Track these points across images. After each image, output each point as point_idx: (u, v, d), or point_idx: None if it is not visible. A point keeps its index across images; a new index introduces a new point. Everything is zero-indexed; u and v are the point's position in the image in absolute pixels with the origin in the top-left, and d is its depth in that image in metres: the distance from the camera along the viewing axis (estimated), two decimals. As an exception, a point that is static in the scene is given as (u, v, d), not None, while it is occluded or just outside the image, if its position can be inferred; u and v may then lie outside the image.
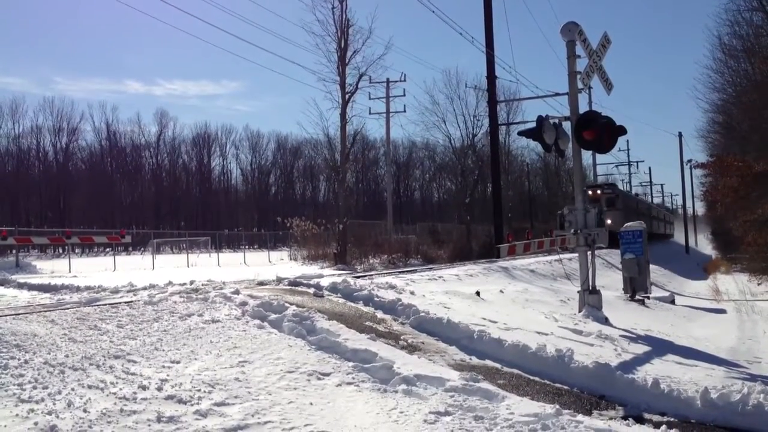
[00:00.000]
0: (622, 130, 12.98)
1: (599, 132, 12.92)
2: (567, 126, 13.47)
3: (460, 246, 36.61)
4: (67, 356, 5.92)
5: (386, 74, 39.25)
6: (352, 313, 9.47)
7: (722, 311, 18.85)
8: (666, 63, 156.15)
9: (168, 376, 5.77)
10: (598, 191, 41.63)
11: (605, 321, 12.21)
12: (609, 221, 36.04)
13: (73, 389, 5.18)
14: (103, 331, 6.97)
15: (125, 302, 8.74)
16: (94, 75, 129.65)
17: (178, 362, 6.20)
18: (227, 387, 5.67)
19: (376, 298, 10.31)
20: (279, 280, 11.98)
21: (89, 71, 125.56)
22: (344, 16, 27.95)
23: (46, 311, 7.91)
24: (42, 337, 6.49)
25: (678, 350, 10.38)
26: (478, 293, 12.85)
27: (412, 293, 11.82)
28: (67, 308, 8.25)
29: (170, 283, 11.39)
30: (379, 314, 9.59)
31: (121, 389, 5.30)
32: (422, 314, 9.41)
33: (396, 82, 40.88)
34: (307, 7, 54.63)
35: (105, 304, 8.59)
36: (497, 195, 34.11)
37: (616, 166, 73.71)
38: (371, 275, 15.64)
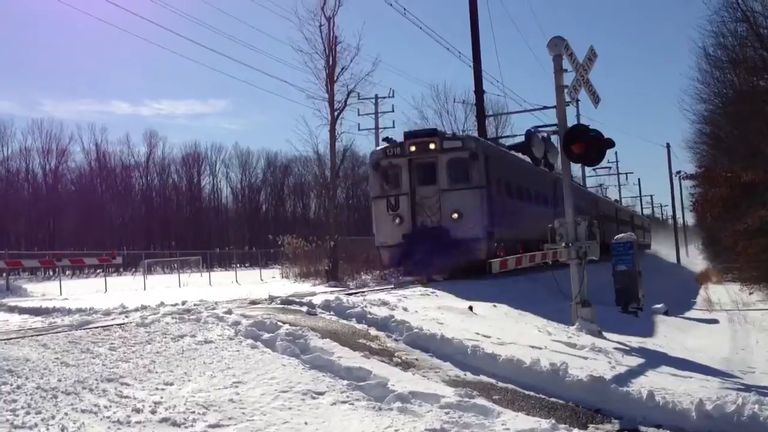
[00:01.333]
0: (611, 143, 13.07)
1: (588, 145, 13.00)
2: (555, 139, 13.56)
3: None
4: (59, 380, 5.88)
5: (375, 90, 39.28)
6: (345, 330, 9.45)
7: (715, 321, 18.89)
8: (654, 74, 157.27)
9: (162, 398, 5.74)
10: (431, 145, 20.75)
11: (599, 334, 12.21)
12: (455, 215, 19.55)
13: (66, 414, 5.14)
14: (96, 355, 6.93)
15: (117, 324, 8.70)
16: (82, 96, 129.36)
17: (171, 384, 6.17)
18: (221, 408, 5.64)
19: (368, 315, 10.29)
20: (271, 299, 11.94)
21: (76, 92, 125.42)
22: (332, 34, 28.01)
23: (37, 335, 7.87)
24: (34, 361, 6.45)
25: (672, 362, 10.38)
26: (470, 308, 12.84)
27: (404, 309, 11.80)
28: (59, 332, 8.21)
29: (162, 303, 11.32)
30: (372, 331, 9.57)
31: (114, 413, 5.27)
32: (416, 330, 9.39)
33: (384, 98, 41.05)
34: (294, 25, 54.69)
35: (97, 327, 8.55)
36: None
37: (607, 176, 73.91)
38: (363, 292, 15.61)
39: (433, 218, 20.20)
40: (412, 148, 20.60)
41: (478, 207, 19.62)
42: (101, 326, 8.59)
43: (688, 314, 20.50)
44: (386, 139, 22.97)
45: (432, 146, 20.46)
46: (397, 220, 20.60)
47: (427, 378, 7.53)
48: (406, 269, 19.55)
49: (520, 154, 20.09)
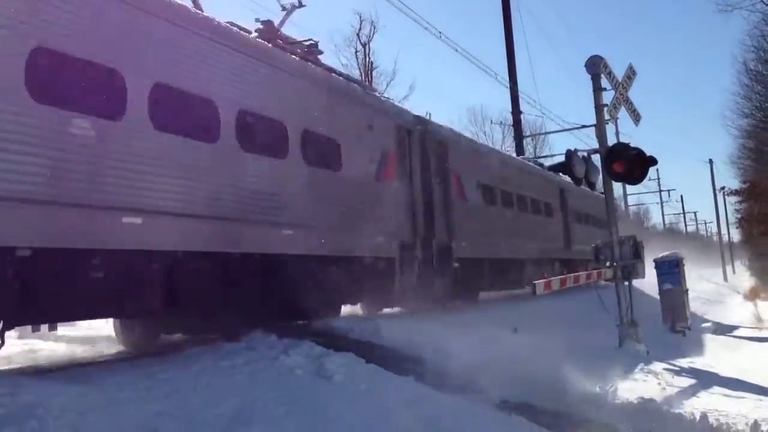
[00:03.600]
0: (653, 161, 12.91)
1: (629, 163, 12.86)
2: (596, 158, 13.45)
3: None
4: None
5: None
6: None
7: (766, 339, 18.41)
8: (694, 90, 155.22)
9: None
10: None
11: (647, 354, 11.99)
12: None
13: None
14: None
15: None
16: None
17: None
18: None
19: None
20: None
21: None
22: (368, 60, 28.42)
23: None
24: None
25: (724, 382, 10.14)
26: (515, 330, 12.71)
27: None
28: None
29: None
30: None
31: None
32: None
33: (422, 121, 40.96)
34: (331, 52, 55.44)
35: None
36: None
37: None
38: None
39: None
40: None
41: None
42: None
43: (737, 333, 20.03)
44: None
45: None
46: None
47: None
48: None
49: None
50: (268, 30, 11.41)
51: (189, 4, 9.51)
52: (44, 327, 7.89)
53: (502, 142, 46.06)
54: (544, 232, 22.50)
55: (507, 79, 31.55)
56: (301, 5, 12.35)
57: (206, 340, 9.37)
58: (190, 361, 7.78)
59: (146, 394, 6.40)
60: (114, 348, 10.42)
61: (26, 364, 8.43)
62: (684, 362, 11.85)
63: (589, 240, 24.89)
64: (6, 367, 7.51)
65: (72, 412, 5.50)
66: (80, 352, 10.38)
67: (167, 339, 10.51)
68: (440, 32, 26.34)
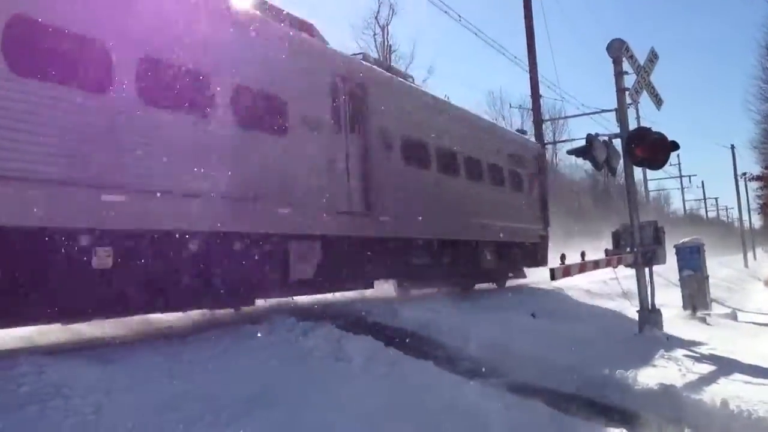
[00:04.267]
0: (675, 146, 12.78)
1: (651, 148, 12.75)
2: (617, 143, 13.32)
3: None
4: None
5: (430, 98, 39.30)
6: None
7: (787, 326, 18.25)
8: (716, 75, 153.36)
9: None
10: None
11: (667, 340, 11.94)
12: None
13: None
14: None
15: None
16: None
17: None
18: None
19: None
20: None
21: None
22: (386, 43, 28.34)
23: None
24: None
25: (745, 369, 10.06)
26: (533, 315, 12.72)
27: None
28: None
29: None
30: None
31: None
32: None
33: (440, 105, 40.72)
34: (349, 35, 55.41)
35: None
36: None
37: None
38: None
39: None
40: None
41: None
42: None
43: (758, 319, 19.87)
44: None
45: None
46: None
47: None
48: None
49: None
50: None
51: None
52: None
53: (521, 125, 45.84)
54: (276, 173, 9.98)
55: (527, 62, 31.32)
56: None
57: (227, 323, 9.45)
58: (211, 343, 7.85)
59: (169, 374, 6.47)
60: (138, 329, 10.50)
61: (52, 343, 8.52)
62: (704, 348, 11.77)
63: (457, 204, 15.03)
64: (31, 347, 7.61)
65: (97, 392, 5.58)
66: (105, 332, 10.45)
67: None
68: (460, 16, 26.13)
